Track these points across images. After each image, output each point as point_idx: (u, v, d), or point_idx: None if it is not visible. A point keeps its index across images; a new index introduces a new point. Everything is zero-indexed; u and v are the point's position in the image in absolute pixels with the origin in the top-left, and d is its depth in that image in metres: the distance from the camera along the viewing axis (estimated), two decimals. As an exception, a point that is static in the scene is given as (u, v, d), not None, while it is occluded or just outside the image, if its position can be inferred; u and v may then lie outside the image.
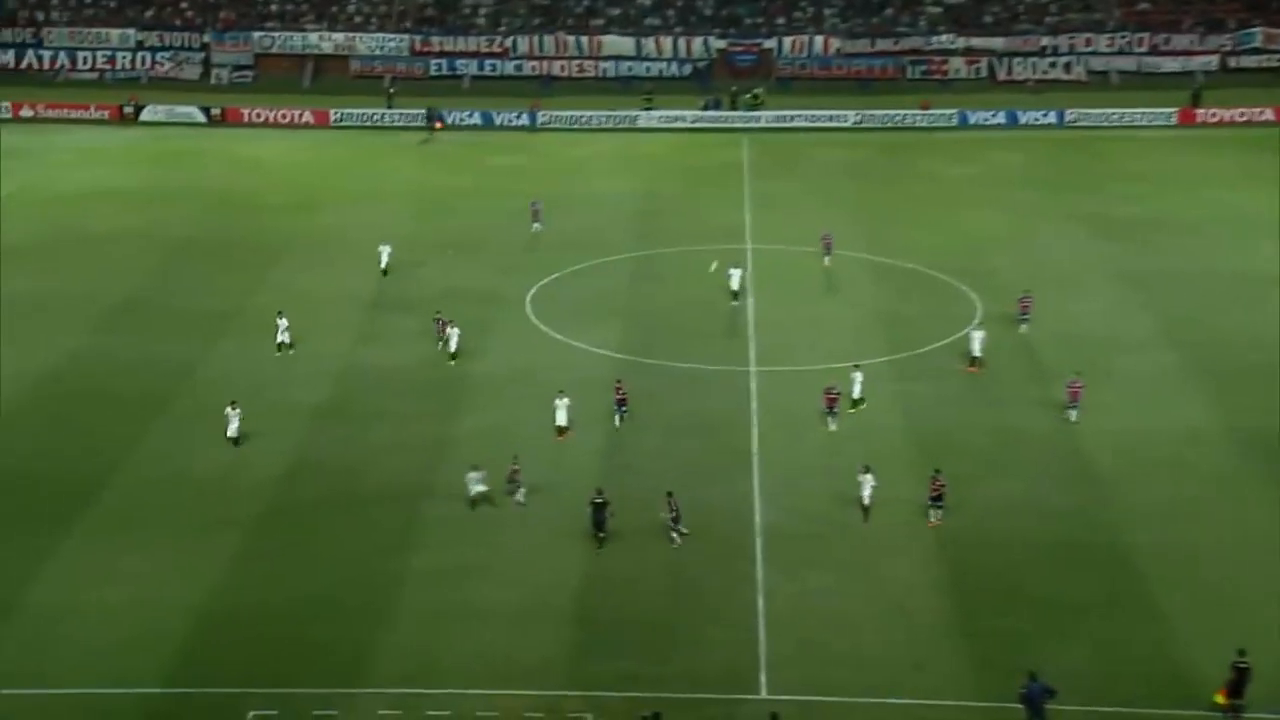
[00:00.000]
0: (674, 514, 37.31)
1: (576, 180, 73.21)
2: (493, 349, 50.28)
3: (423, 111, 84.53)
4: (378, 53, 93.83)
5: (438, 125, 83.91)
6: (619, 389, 44.26)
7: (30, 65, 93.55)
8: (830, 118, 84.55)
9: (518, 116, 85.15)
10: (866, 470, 38.51)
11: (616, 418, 43.83)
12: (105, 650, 32.53)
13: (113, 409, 44.64)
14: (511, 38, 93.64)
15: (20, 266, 57.84)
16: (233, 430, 42.16)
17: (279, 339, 47.85)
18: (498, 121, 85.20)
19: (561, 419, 43.19)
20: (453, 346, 48.30)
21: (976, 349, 48.17)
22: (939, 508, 38.13)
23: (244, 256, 59.74)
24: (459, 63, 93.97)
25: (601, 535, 37.01)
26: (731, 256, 57.44)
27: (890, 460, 41.06)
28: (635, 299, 55.31)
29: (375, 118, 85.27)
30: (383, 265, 57.44)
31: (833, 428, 43.47)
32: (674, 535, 37.21)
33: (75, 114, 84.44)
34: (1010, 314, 51.97)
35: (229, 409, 42.49)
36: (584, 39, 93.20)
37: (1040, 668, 30.52)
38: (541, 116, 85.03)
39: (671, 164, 76.68)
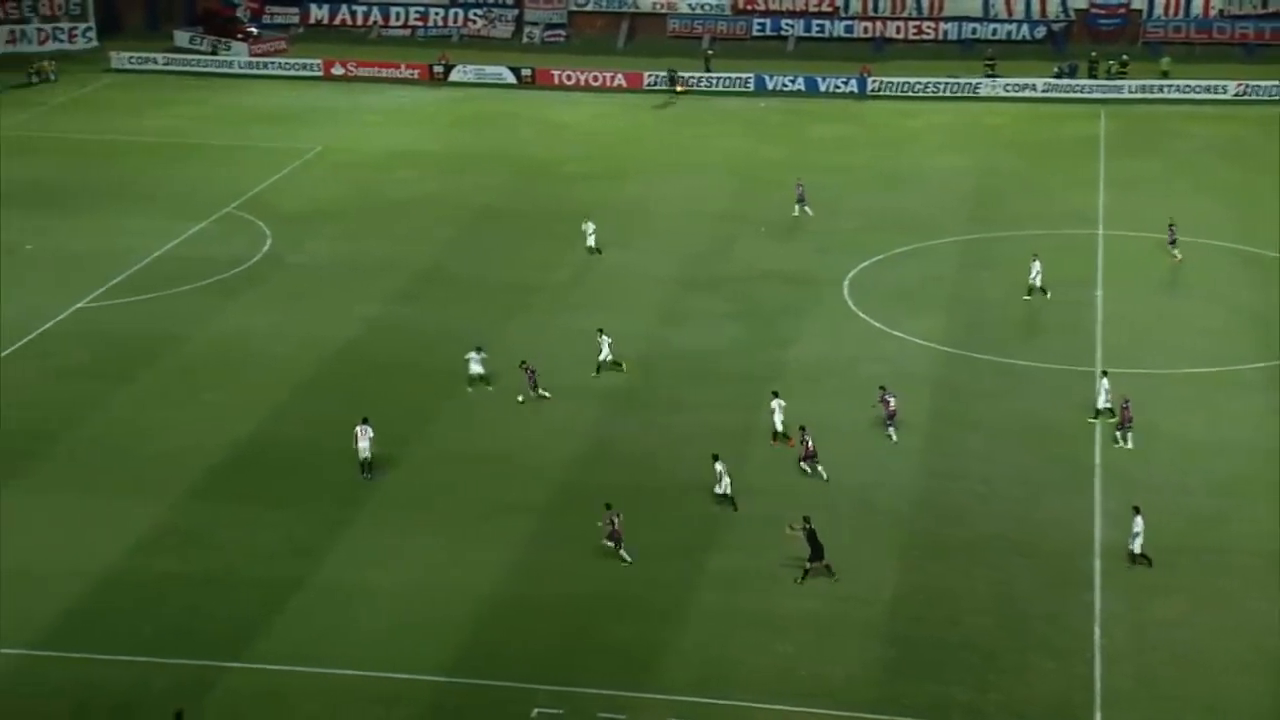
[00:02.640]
0: (611, 531, 36.07)
1: (906, 154, 72.22)
2: (805, 335, 50.19)
3: (750, 79, 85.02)
4: (697, 12, 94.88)
5: (679, 88, 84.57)
6: (886, 398, 42.84)
7: (344, 21, 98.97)
8: (1206, 88, 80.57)
9: (845, 82, 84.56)
10: (1137, 512, 36.26)
11: (891, 432, 42.80)
12: (391, 633, 33.96)
13: (407, 382, 46.66)
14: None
15: (323, 230, 61.21)
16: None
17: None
18: (822, 88, 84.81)
19: (778, 422, 42.39)
20: (604, 355, 46.87)
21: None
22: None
23: (547, 227, 61.49)
24: (784, 23, 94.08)
25: (818, 564, 35.48)
26: (1081, 243, 55.49)
27: (1254, 483, 38.87)
28: (964, 286, 54.20)
29: (692, 81, 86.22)
30: (590, 244, 58.09)
31: (1127, 445, 41.37)
32: (623, 555, 36.16)
33: (385, 73, 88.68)
34: None
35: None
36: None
37: None
38: (871, 83, 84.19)
39: (1015, 138, 74.70)
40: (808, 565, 35.55)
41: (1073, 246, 56.22)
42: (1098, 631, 33.60)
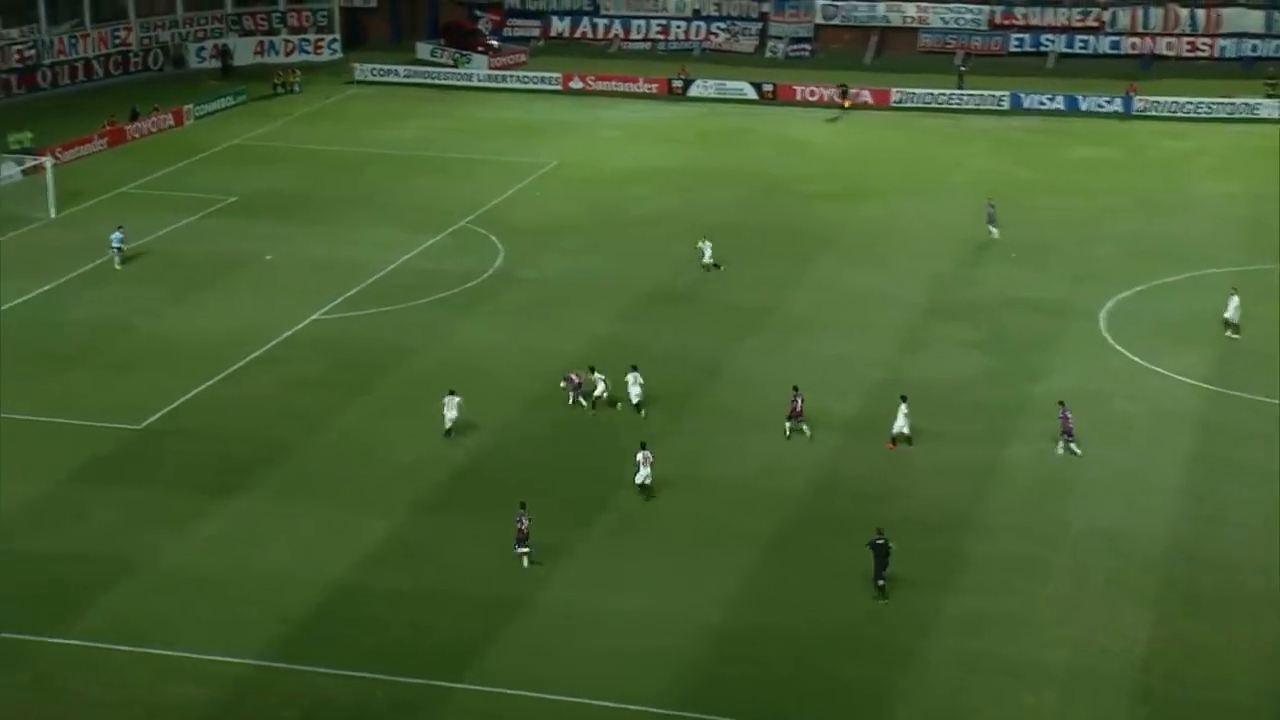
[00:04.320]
0: (520, 530, 37.26)
1: (1175, 178, 70.23)
2: (1056, 368, 49.19)
3: (1005, 97, 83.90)
4: (951, 26, 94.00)
5: (845, 103, 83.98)
6: (1065, 414, 43.02)
7: (585, 34, 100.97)
8: None
9: (1109, 102, 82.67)
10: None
11: (1064, 445, 42.53)
12: (616, 661, 34.26)
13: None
14: (1110, 10, 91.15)
15: (556, 246, 62.42)
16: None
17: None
18: (1084, 107, 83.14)
19: (902, 424, 43.09)
20: (633, 398, 46.23)
21: None
22: None
23: (784, 247, 61.57)
24: (1044, 38, 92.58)
25: (881, 583, 35.92)
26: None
27: None
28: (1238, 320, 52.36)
29: (942, 99, 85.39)
30: (705, 260, 58.04)
31: None
32: (524, 557, 37.39)
33: (623, 87, 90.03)
34: None
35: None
36: (1199, 12, 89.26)
37: None
38: (1138, 102, 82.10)
39: (1296, 163, 71.97)
40: (879, 581, 35.95)
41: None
42: (1374, 699, 32.08)
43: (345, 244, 62.43)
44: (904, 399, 44.05)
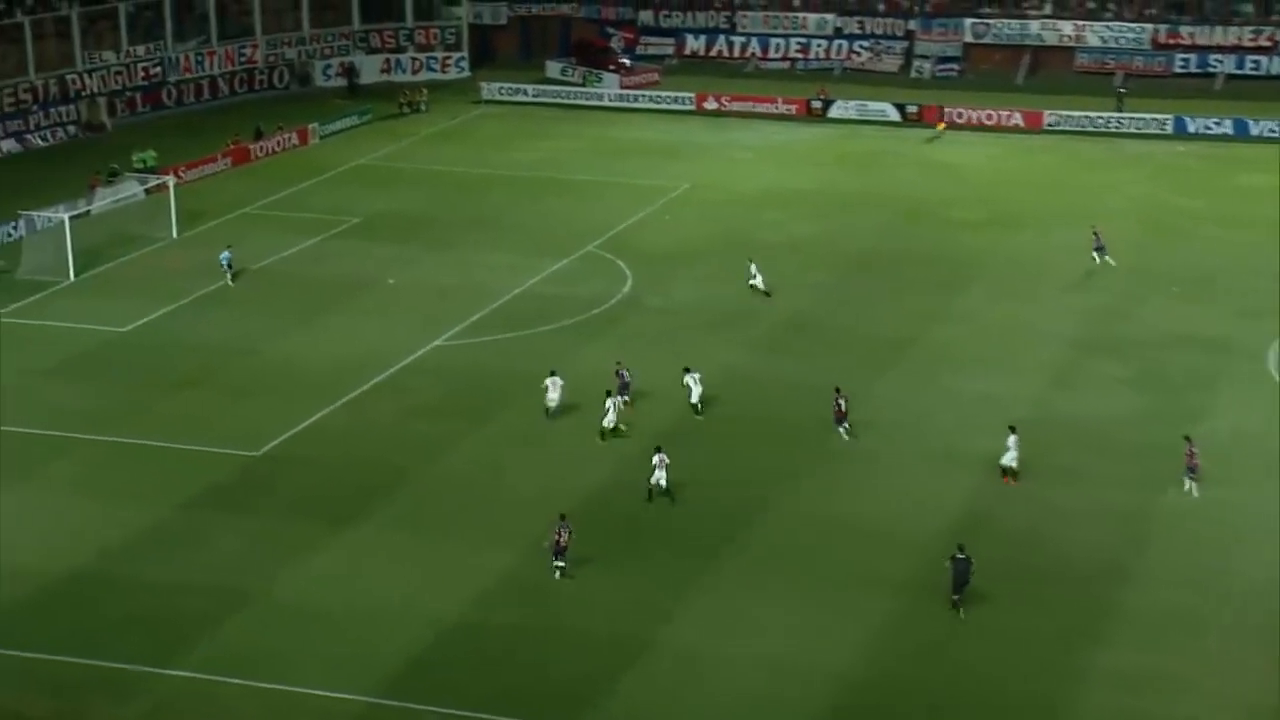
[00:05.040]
0: (557, 542, 38.53)
1: (1353, 207, 68.57)
2: (1219, 409, 48.24)
3: (1169, 120, 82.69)
4: (1110, 45, 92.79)
5: (940, 124, 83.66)
6: (1191, 450, 42.62)
7: (720, 52, 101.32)
8: None
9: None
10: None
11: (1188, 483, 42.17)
12: (743, 708, 34.09)
13: (768, 437, 47.08)
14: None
15: (685, 272, 62.53)
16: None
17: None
18: (1254, 131, 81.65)
19: (1011, 458, 43.18)
20: (694, 398, 48.71)
21: None
22: None
23: (927, 276, 61.13)
24: (1212, 59, 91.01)
25: (956, 598, 36.94)
26: None
27: None
28: None
29: (1099, 122, 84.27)
30: (753, 284, 58.33)
31: None
32: (558, 570, 38.63)
33: (759, 108, 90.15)
34: None
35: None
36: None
37: None
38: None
39: None
40: (954, 597, 37.04)
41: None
42: None
43: (470, 268, 63.17)
44: (1013, 430, 43.69)
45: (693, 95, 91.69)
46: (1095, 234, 61.61)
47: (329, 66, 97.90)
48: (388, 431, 48.26)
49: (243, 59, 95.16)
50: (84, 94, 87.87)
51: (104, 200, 68.60)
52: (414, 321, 57.06)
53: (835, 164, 79.68)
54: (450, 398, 50.64)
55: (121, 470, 45.64)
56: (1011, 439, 43.63)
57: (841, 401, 46.48)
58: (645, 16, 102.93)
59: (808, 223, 69.01)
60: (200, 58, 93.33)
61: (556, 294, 60.03)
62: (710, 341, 54.92)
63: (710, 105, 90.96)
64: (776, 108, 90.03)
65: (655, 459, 42.84)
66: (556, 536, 38.80)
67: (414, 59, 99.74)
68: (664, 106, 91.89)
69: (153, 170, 74.90)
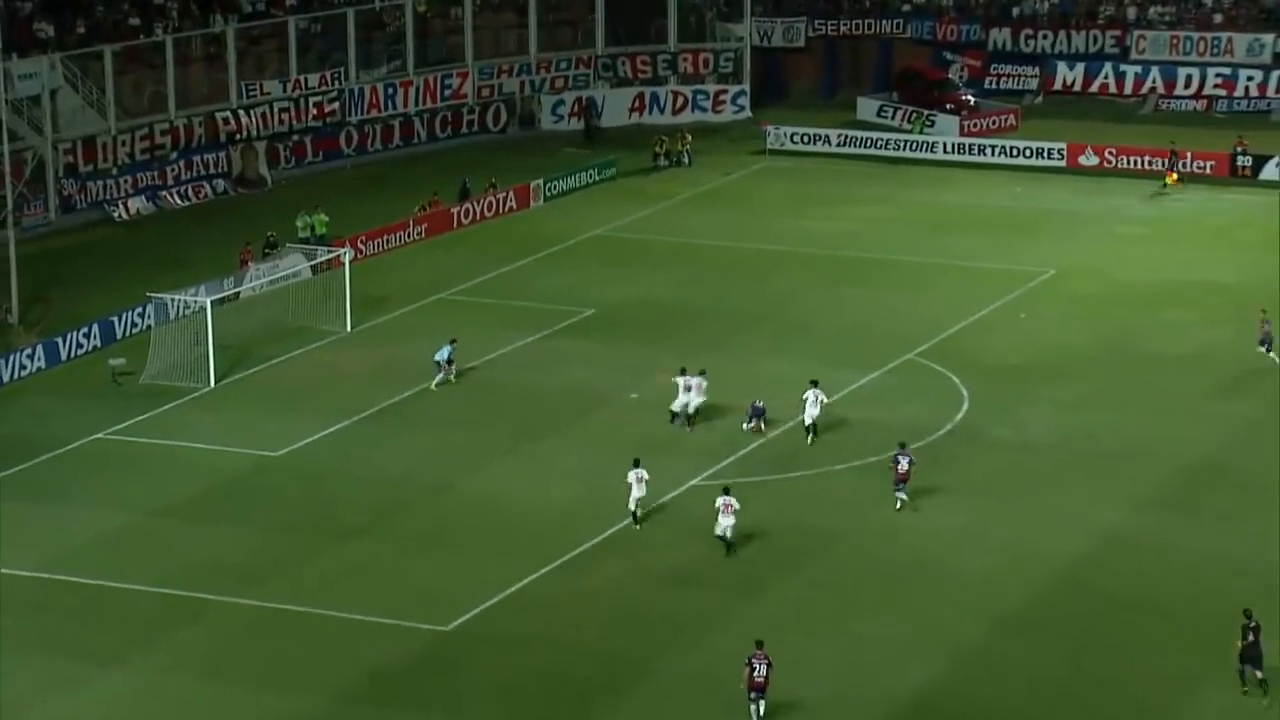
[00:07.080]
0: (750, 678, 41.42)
1: None
2: None
3: None
4: None
5: (1171, 175, 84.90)
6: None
7: (1104, 87, 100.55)
8: None
9: None
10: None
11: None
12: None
13: (1155, 630, 46.22)
14: None
15: (1046, 394, 62.13)
16: None
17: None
18: None
19: None
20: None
21: None
22: None
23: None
24: None
25: (1260, 676, 41.60)
26: None
27: None
28: None
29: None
30: (808, 421, 57.72)
31: None
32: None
33: (1158, 163, 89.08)
34: None
35: None
36: None
37: None
38: None
39: None
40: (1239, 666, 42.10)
41: None
42: None
43: (741, 378, 63.26)
44: None
45: (1063, 146, 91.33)
46: (1264, 321, 62.95)
47: (560, 103, 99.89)
48: (620, 606, 48.51)
49: (447, 92, 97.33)
50: (238, 137, 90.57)
51: (258, 279, 70.74)
52: (663, 452, 57.33)
53: (1264, 246, 78.29)
54: (708, 560, 50.70)
55: (267, 645, 46.65)
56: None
57: (902, 461, 53.17)
58: (999, 37, 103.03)
59: (1223, 327, 67.85)
60: (391, 90, 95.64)
61: (862, 419, 59.93)
62: (1082, 494, 54.35)
63: (1088, 160, 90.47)
64: (1183, 164, 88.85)
65: (719, 501, 49.21)
66: (751, 670, 41.60)
67: (676, 94, 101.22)
68: (1022, 161, 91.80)
69: (323, 240, 77.01)
